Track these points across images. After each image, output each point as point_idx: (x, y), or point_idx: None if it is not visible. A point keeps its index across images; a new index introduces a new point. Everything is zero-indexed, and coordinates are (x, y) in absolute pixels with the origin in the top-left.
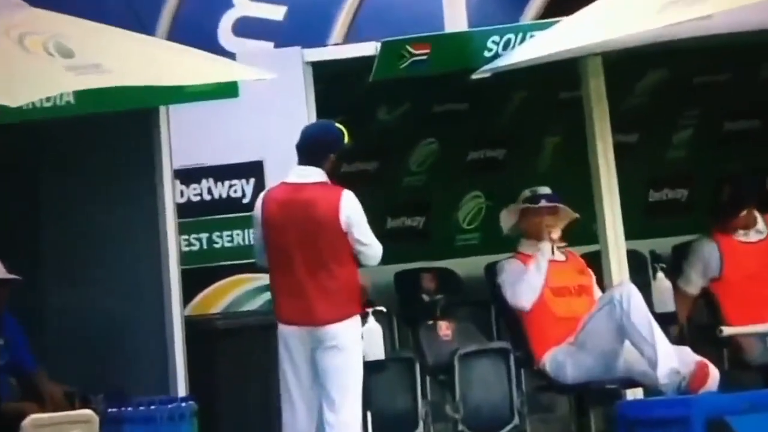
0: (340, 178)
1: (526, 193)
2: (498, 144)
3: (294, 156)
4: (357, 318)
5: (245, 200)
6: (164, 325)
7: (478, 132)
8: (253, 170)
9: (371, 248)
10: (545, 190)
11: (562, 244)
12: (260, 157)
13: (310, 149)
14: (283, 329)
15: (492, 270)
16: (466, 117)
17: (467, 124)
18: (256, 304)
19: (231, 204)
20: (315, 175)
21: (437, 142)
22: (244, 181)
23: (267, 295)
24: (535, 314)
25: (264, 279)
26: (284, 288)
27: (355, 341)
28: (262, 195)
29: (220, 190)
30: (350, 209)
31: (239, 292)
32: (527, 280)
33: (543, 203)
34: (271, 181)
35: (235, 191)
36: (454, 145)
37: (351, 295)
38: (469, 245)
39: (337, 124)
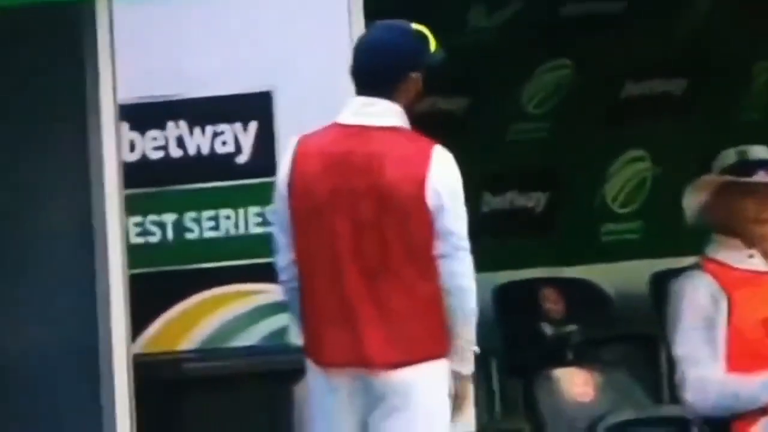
0: None
1: (730, 155)
2: (675, 71)
3: (327, 86)
4: (442, 363)
5: (241, 158)
6: (98, 369)
7: (640, 51)
8: (256, 107)
9: (459, 257)
10: (763, 152)
11: None
12: (268, 86)
13: (374, 68)
14: (318, 375)
15: (662, 285)
16: (621, 26)
17: (623, 37)
18: (257, 336)
19: (217, 164)
20: (387, 113)
21: (571, 67)
22: (239, 125)
23: (279, 320)
24: (733, 360)
25: (275, 293)
26: (321, 307)
27: (437, 402)
28: (293, 146)
29: (199, 140)
30: (445, 179)
31: (228, 316)
32: (729, 391)
33: (761, 176)
34: (285, 125)
35: (225, 143)
36: (600, 71)
37: (433, 324)
38: (624, 241)
39: (416, 26)
